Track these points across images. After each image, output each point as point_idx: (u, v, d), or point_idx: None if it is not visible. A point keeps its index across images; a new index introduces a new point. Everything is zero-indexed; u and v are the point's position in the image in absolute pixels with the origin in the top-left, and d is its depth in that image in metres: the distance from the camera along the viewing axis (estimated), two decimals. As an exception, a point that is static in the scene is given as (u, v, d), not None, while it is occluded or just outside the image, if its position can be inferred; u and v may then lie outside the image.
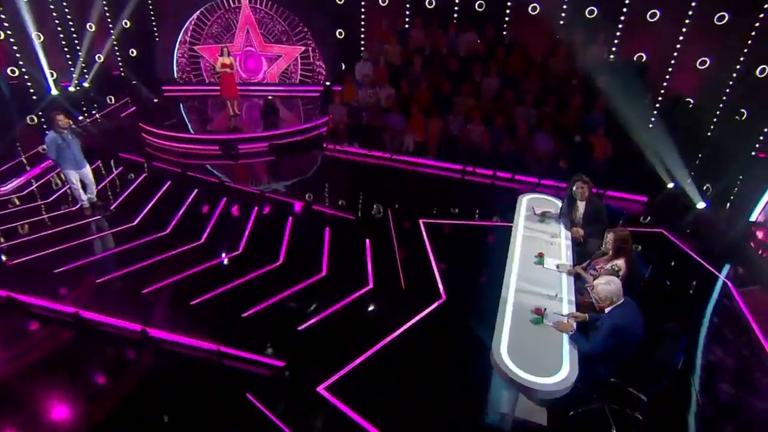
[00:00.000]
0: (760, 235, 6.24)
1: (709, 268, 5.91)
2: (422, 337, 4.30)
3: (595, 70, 8.12)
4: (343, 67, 10.78)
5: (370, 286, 5.07)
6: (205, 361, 4.02)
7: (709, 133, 8.53)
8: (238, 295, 4.75)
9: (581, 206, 4.83)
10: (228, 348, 4.08)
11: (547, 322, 3.50)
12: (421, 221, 6.07)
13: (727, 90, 8.52)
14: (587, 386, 3.29)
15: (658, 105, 8.79)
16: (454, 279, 5.04)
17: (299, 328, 4.41)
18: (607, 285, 3.33)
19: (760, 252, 6.06)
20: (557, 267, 4.25)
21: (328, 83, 10.96)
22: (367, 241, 5.86)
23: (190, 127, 9.17)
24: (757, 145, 7.38)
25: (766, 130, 7.44)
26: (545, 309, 3.67)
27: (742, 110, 8.02)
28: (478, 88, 8.68)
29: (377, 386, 3.79)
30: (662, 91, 9.06)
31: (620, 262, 4.06)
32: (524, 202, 5.40)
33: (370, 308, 4.75)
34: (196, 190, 6.99)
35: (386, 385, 3.80)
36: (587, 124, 7.96)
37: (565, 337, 3.42)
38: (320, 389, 3.79)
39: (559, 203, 5.26)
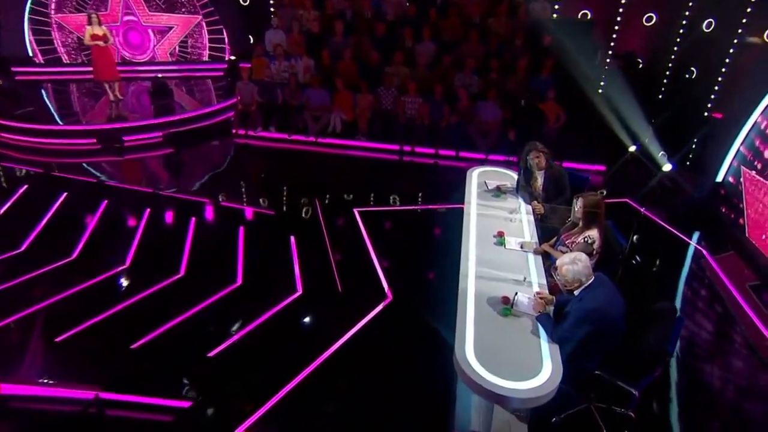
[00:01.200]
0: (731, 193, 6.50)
1: (681, 236, 6.06)
2: (368, 347, 4.13)
3: (540, 29, 8.19)
4: (251, 39, 10.18)
5: (299, 292, 4.78)
6: (79, 415, 3.43)
7: (660, 96, 8.78)
8: (125, 322, 4.20)
9: (539, 177, 4.73)
10: (111, 393, 3.56)
11: (517, 309, 3.26)
12: (356, 211, 6.02)
13: (675, 48, 8.81)
14: (572, 386, 3.03)
15: (607, 65, 8.93)
16: (401, 273, 4.93)
17: (209, 355, 3.99)
18: (572, 265, 3.11)
19: (731, 215, 6.27)
20: (521, 246, 3.99)
21: (233, 57, 10.30)
22: (292, 239, 5.44)
23: (57, 117, 8.25)
24: (708, 105, 7.68)
25: (717, 88, 7.73)
26: (515, 295, 3.40)
27: (692, 68, 8.31)
28: (411, 56, 8.58)
29: (317, 414, 3.55)
30: (610, 51, 9.25)
31: (593, 233, 3.88)
32: (474, 176, 5.22)
33: (302, 319, 4.43)
34: (64, 195, 6.25)
35: (328, 410, 3.57)
36: (536, 89, 7.99)
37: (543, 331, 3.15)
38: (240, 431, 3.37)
39: (515, 176, 5.10)
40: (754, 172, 6.04)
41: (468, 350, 3.08)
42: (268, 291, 4.75)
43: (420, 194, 6.65)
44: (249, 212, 6.20)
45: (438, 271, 5.00)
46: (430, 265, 5.10)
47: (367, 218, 5.82)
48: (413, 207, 6.28)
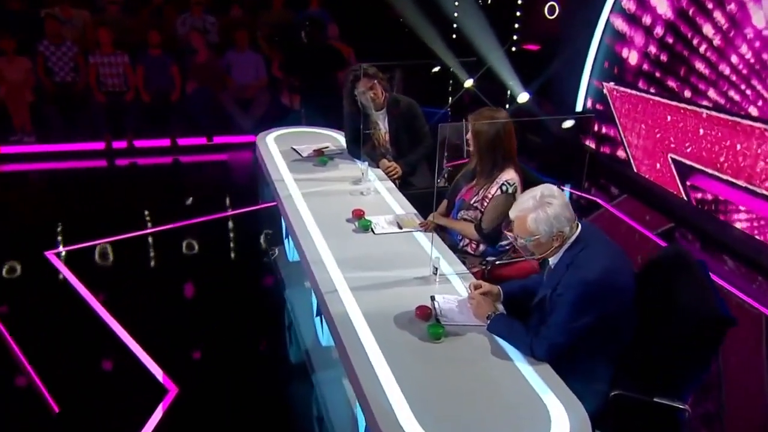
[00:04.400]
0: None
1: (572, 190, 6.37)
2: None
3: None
4: None
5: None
6: None
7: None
8: None
9: (381, 120, 4.55)
10: None
11: (447, 322, 2.79)
12: (49, 255, 5.26)
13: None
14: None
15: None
16: (185, 344, 4.26)
17: None
18: (541, 210, 2.64)
19: (607, 150, 6.61)
20: (399, 226, 3.67)
21: None
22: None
23: None
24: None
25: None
26: (432, 301, 2.91)
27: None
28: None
29: None
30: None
31: (509, 176, 3.48)
32: (271, 144, 4.98)
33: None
34: None
35: None
36: (305, 26, 7.74)
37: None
38: None
39: (337, 135, 5.10)
40: (613, 83, 6.47)
41: (404, 421, 2.23)
42: None
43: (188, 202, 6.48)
44: None
45: (255, 316, 4.58)
46: (236, 314, 4.59)
47: (81, 262, 5.18)
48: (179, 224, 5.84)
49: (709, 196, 5.61)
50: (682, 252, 2.94)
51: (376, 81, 4.33)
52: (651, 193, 6.06)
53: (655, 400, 2.67)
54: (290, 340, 4.21)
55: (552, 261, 2.71)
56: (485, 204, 3.48)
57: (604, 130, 6.92)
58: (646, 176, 6.26)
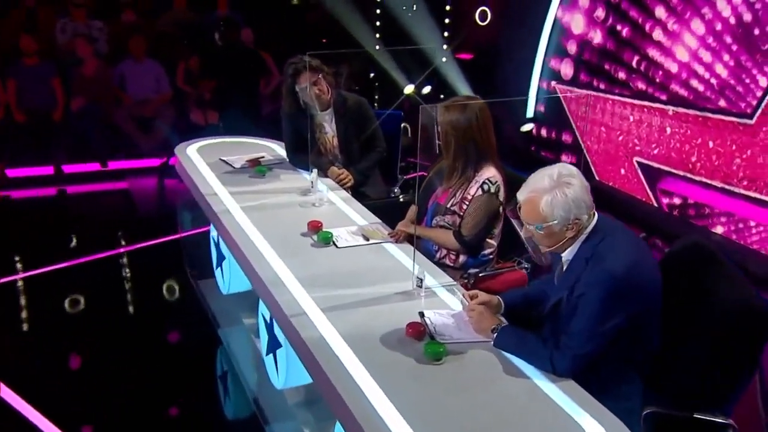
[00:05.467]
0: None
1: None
2: None
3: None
4: None
5: None
6: None
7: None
8: None
9: (326, 121, 4.54)
10: None
11: (444, 339, 2.72)
12: None
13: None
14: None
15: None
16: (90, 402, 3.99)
17: None
18: (558, 191, 2.56)
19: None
20: (365, 238, 3.63)
21: None
22: None
23: None
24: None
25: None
26: (422, 318, 2.85)
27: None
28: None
29: None
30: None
31: (490, 173, 3.45)
32: (195, 155, 4.88)
33: None
34: None
35: None
36: (219, 27, 7.82)
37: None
38: None
39: (272, 144, 5.13)
40: (561, 84, 6.62)
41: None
42: None
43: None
44: None
45: (179, 368, 4.33)
46: (153, 369, 4.33)
47: None
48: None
49: (683, 200, 5.76)
50: (703, 243, 2.94)
51: (320, 75, 4.27)
52: (616, 201, 6.15)
53: (695, 416, 2.65)
54: (225, 391, 4.03)
55: (566, 257, 2.64)
56: (464, 207, 3.42)
57: (564, 137, 7.05)
58: (610, 184, 6.37)
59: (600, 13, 6.40)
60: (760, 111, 5.04)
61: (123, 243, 5.93)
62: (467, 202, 3.40)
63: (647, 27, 5.90)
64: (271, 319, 3.38)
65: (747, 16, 5.08)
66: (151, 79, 7.59)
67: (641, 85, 6.01)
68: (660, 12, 5.76)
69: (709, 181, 5.44)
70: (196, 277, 5.00)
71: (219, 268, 4.38)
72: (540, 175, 2.56)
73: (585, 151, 6.66)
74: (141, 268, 5.54)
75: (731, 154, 5.25)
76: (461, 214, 3.40)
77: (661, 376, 2.72)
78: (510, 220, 3.53)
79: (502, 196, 3.42)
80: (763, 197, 5.06)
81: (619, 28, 6.20)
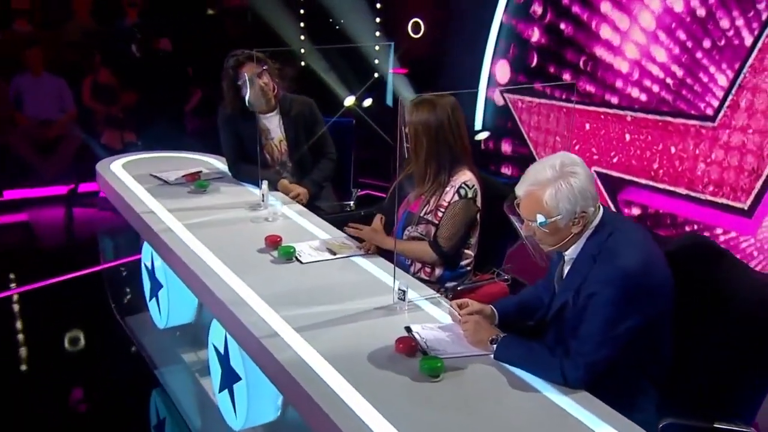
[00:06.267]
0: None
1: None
2: None
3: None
4: None
5: None
6: None
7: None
8: None
9: (273, 125, 4.51)
10: None
11: (437, 353, 2.74)
12: None
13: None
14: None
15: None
16: None
17: None
18: (563, 181, 2.55)
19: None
20: (331, 252, 3.63)
21: None
22: None
23: None
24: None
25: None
26: (409, 333, 2.87)
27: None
28: None
29: None
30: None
31: (466, 177, 3.47)
32: (120, 172, 4.83)
33: None
34: None
35: None
36: (135, 35, 7.76)
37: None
38: None
39: (208, 158, 5.13)
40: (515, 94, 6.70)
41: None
42: None
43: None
44: None
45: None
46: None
47: None
48: None
49: (646, 210, 5.89)
50: (704, 240, 3.02)
51: (265, 68, 4.25)
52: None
53: (715, 426, 2.65)
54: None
55: (569, 255, 2.65)
56: (440, 215, 3.42)
57: (513, 148, 7.15)
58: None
59: (537, 8, 6.59)
60: (722, 112, 5.23)
61: (23, 281, 5.70)
62: (443, 210, 3.40)
63: (593, 25, 6.09)
64: (226, 350, 3.30)
65: (701, 11, 5.29)
66: (53, 96, 7.46)
67: (591, 89, 6.17)
68: (606, 7, 5.95)
69: (673, 189, 5.58)
70: (123, 312, 4.88)
71: (154, 299, 4.25)
72: (540, 165, 2.56)
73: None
74: (53, 308, 5.33)
75: (695, 159, 5.42)
76: (437, 222, 3.40)
77: (675, 384, 2.75)
78: (485, 227, 3.61)
79: (479, 201, 3.44)
80: (730, 203, 5.23)
81: (562, 26, 6.39)
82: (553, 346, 2.60)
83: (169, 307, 4.06)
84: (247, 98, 4.23)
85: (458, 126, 3.46)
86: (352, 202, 4.57)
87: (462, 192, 3.38)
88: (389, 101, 8.36)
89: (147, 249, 4.25)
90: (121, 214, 4.32)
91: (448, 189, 3.43)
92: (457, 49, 7.67)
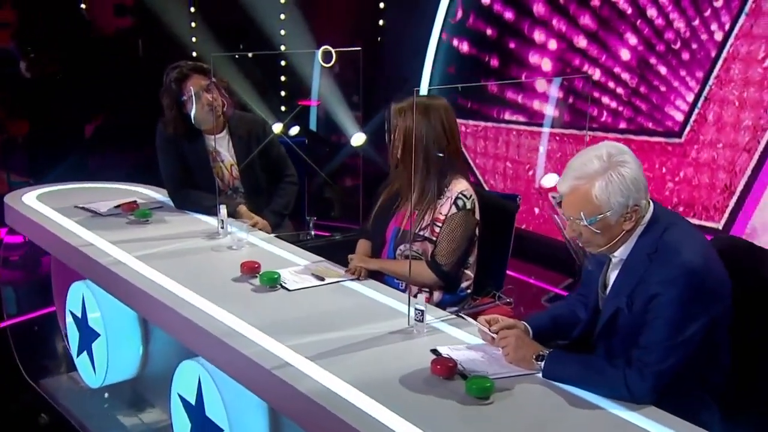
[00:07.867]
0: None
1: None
2: None
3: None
4: None
5: None
6: None
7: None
8: None
9: (222, 146, 4.54)
10: None
11: (476, 373, 2.75)
12: None
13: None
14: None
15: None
16: None
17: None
18: (614, 172, 2.59)
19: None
20: (319, 278, 3.65)
21: None
22: None
23: None
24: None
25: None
26: (439, 356, 2.89)
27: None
28: None
29: None
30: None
31: (463, 187, 3.52)
32: (37, 204, 4.76)
33: None
34: None
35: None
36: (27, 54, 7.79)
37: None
38: None
39: (137, 188, 5.10)
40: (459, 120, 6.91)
41: None
42: None
43: None
44: None
45: None
46: None
47: None
48: None
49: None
50: (740, 241, 3.10)
51: (213, 81, 4.25)
52: (535, 247, 6.33)
53: None
54: None
55: (619, 255, 2.67)
56: (437, 230, 3.44)
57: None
58: (523, 227, 6.57)
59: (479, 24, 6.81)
60: (688, 127, 5.47)
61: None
62: (440, 224, 3.42)
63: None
64: (200, 400, 3.23)
65: (659, 21, 5.56)
66: None
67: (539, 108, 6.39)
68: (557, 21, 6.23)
69: (639, 209, 5.80)
70: (36, 377, 4.67)
71: (85, 354, 4.08)
72: (586, 157, 2.58)
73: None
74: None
75: (662, 178, 5.62)
76: (434, 239, 3.41)
77: (737, 399, 2.77)
78: (480, 244, 3.65)
79: (477, 211, 3.48)
80: (703, 223, 5.43)
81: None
82: (610, 359, 2.61)
83: (108, 361, 3.91)
84: (192, 115, 4.21)
85: (452, 130, 3.51)
86: (311, 232, 4.54)
87: (459, 203, 3.41)
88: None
89: (76, 294, 4.14)
90: (48, 251, 4.28)
91: (443, 200, 3.46)
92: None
